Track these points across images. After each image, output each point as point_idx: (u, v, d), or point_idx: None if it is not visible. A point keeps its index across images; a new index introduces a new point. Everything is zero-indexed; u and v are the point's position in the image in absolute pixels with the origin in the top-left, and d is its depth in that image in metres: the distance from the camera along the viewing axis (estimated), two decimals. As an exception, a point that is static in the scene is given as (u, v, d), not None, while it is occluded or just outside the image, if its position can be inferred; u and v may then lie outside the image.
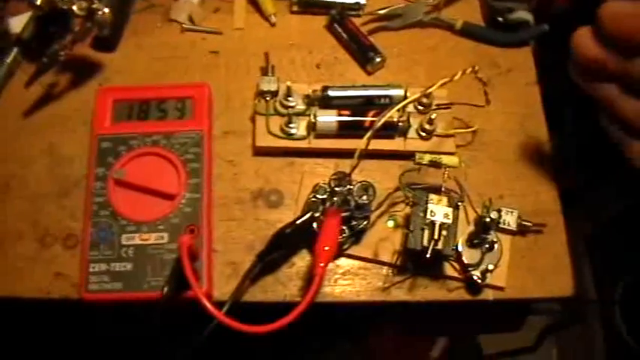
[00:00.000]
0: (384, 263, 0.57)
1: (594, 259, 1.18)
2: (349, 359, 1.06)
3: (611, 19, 0.42)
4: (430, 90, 0.52)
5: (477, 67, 0.54)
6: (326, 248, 0.50)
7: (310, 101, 0.61)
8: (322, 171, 0.61)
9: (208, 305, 0.46)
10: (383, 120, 0.50)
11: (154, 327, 0.51)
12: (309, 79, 0.65)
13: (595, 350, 1.19)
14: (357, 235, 0.57)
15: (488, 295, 0.57)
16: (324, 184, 0.56)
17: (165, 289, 0.50)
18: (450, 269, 0.57)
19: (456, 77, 0.52)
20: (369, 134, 0.45)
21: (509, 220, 0.57)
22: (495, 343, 1.18)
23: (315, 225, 0.54)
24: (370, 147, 0.58)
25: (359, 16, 0.69)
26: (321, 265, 0.50)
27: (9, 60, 0.65)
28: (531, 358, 1.17)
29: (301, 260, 0.58)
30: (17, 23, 0.65)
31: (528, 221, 0.58)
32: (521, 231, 0.58)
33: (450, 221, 0.52)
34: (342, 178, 0.55)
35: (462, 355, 1.13)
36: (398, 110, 0.58)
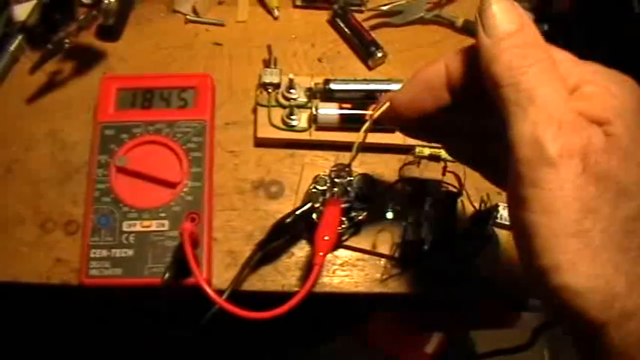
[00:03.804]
0: (382, 255, 0.58)
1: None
2: (348, 351, 1.06)
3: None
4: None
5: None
6: (326, 238, 0.51)
7: (312, 94, 0.61)
8: (323, 163, 0.61)
9: (210, 291, 0.47)
10: (379, 112, 0.51)
11: (158, 314, 0.51)
12: (311, 72, 0.65)
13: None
14: (356, 227, 0.57)
15: (484, 288, 0.58)
16: (325, 175, 0.56)
17: (167, 275, 0.51)
18: (447, 262, 0.58)
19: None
20: (365, 126, 0.46)
21: (506, 215, 0.58)
22: (489, 341, 1.18)
23: (314, 216, 0.54)
24: (371, 140, 0.59)
25: (361, 11, 0.70)
26: (321, 254, 0.50)
27: (13, 47, 0.65)
28: (524, 357, 1.18)
29: (300, 251, 0.58)
30: (22, 10, 0.65)
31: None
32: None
33: (447, 214, 0.52)
34: (343, 169, 0.56)
35: (456, 352, 1.14)
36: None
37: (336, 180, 0.56)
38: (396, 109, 0.40)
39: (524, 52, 0.31)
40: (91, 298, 0.64)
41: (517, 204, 0.30)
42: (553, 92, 0.30)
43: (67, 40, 0.60)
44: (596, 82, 0.31)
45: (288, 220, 0.54)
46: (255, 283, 0.57)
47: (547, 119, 0.29)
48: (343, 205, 0.54)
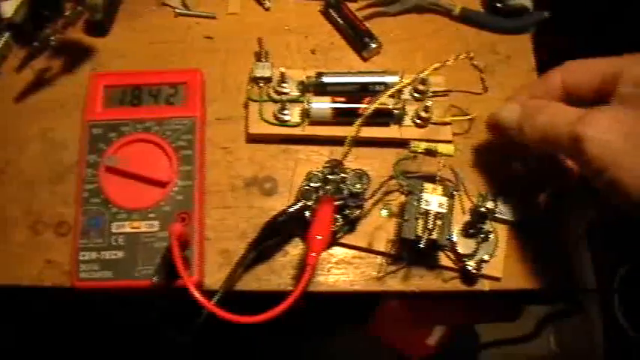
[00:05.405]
0: (378, 252, 0.57)
1: (594, 247, 1.17)
2: (350, 343, 1.06)
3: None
4: (422, 75, 0.52)
5: (471, 53, 0.53)
6: (318, 237, 0.50)
7: (304, 88, 0.60)
8: (317, 158, 0.60)
9: (197, 295, 0.46)
10: (374, 106, 0.49)
11: (154, 314, 0.51)
12: (305, 65, 0.64)
13: (594, 339, 1.19)
14: (351, 224, 0.56)
15: (484, 285, 0.57)
16: (318, 171, 0.55)
17: (155, 278, 0.50)
18: (445, 259, 0.56)
19: (449, 62, 0.51)
20: (359, 120, 0.45)
21: (506, 209, 0.57)
22: (493, 331, 1.18)
23: (307, 213, 0.53)
24: (366, 134, 0.58)
25: (355, 1, 0.68)
26: (313, 254, 0.49)
27: (0, 44, 0.64)
28: (530, 346, 1.17)
29: (295, 249, 0.57)
30: (9, 7, 0.64)
31: (525, 211, 0.57)
32: (518, 221, 0.58)
33: (444, 210, 0.51)
34: (336, 165, 0.54)
35: (459, 343, 1.13)
36: (393, 97, 0.58)
37: (330, 176, 0.54)
38: None
39: None
40: (83, 299, 0.63)
41: None
42: None
43: (53, 37, 0.59)
44: None
45: (280, 219, 0.53)
46: (250, 282, 0.56)
47: None
48: (336, 203, 0.53)
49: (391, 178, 0.54)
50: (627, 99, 0.45)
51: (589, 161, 0.43)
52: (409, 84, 0.58)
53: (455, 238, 0.56)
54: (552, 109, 0.48)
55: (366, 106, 0.57)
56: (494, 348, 1.17)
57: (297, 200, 0.54)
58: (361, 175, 0.54)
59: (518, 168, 0.58)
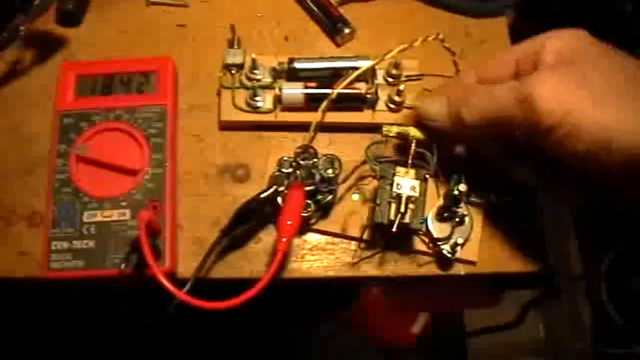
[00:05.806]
0: (352, 238, 0.56)
1: (581, 233, 1.17)
2: (333, 334, 1.06)
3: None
4: (389, 56, 0.51)
5: (441, 35, 0.53)
6: (289, 222, 0.49)
7: (276, 74, 0.59)
8: (290, 145, 0.59)
9: (165, 282, 0.45)
10: (338, 90, 0.49)
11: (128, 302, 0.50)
12: (278, 52, 0.63)
13: (581, 325, 1.19)
14: (323, 210, 0.56)
15: (460, 269, 0.57)
16: (289, 157, 0.55)
17: (123, 266, 0.49)
18: (419, 243, 0.56)
19: (416, 43, 0.51)
20: (324, 104, 0.44)
21: (481, 193, 0.56)
22: (478, 319, 1.17)
23: (279, 199, 0.53)
24: (339, 120, 0.58)
25: (328, -14, 0.67)
26: (284, 240, 0.49)
27: (-32, 37, 0.63)
28: (517, 333, 1.17)
29: (268, 236, 0.57)
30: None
31: (501, 194, 0.57)
32: (494, 204, 0.57)
33: (417, 194, 0.51)
34: (307, 151, 0.54)
35: (444, 331, 1.13)
36: (366, 82, 0.57)
37: (301, 162, 0.54)
38: None
39: None
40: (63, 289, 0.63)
41: None
42: None
43: (21, 28, 0.58)
44: None
45: (251, 205, 0.52)
46: (223, 270, 0.56)
47: None
48: (308, 188, 0.53)
49: (364, 162, 0.54)
50: (560, 63, 0.45)
51: (542, 119, 0.42)
52: (375, 65, 0.57)
53: (429, 222, 0.55)
54: (484, 88, 0.49)
55: (337, 91, 0.57)
56: (481, 336, 1.17)
57: (269, 186, 0.53)
58: (333, 160, 0.53)
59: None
